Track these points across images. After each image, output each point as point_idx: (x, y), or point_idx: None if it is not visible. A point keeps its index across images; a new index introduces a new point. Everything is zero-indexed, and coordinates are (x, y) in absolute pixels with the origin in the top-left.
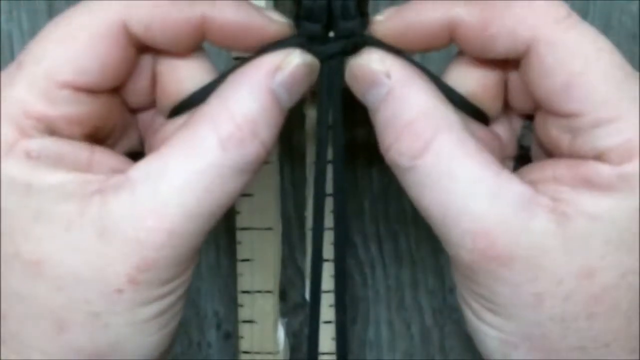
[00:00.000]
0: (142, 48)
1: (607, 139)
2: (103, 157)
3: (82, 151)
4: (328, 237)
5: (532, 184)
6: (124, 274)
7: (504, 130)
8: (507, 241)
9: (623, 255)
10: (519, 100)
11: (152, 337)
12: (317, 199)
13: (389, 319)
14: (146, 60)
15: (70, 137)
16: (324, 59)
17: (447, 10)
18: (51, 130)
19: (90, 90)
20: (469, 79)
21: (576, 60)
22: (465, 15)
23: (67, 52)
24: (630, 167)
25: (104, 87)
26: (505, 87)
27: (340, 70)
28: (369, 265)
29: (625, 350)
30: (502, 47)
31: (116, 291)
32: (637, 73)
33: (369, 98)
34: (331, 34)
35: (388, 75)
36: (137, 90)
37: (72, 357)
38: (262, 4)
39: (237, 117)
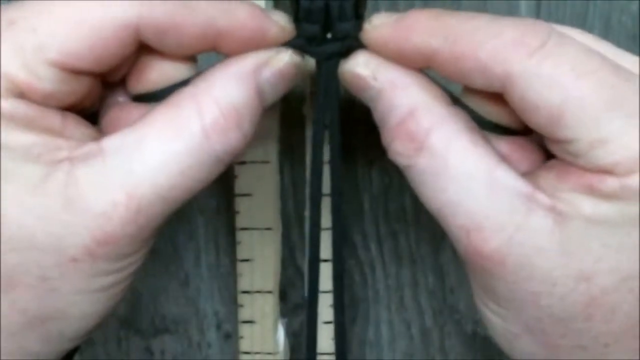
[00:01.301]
0: (144, 46)
1: (607, 157)
2: (75, 124)
3: (55, 117)
4: (328, 237)
5: (535, 178)
6: (83, 245)
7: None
8: (501, 239)
9: (622, 260)
10: None
11: (97, 307)
12: (312, 199)
13: (389, 319)
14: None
15: (42, 105)
16: (321, 59)
17: (425, 41)
18: (25, 97)
19: (77, 73)
20: (485, 96)
21: (555, 92)
22: (440, 48)
23: (68, 34)
24: (635, 179)
25: (93, 73)
26: None
27: (336, 71)
28: (369, 265)
29: (626, 351)
30: (478, 82)
31: (71, 260)
32: (637, 79)
33: (365, 100)
34: (329, 35)
35: (374, 78)
36: (116, 69)
37: (16, 315)
38: (262, 4)
39: (223, 106)
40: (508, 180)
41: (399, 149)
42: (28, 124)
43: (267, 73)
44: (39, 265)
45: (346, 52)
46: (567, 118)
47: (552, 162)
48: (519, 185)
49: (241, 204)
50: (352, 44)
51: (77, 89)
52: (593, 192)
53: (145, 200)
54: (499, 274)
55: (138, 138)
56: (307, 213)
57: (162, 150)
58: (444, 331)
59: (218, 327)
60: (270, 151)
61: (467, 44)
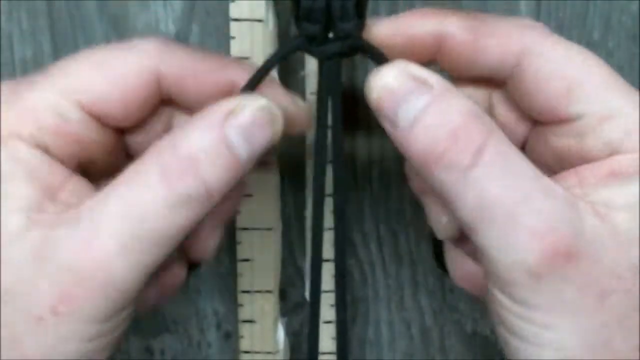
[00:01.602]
0: (166, 100)
1: (616, 130)
2: (76, 187)
3: (60, 174)
4: (328, 237)
5: None
6: (48, 302)
7: None
8: (573, 237)
9: None
10: (507, 123)
11: None
12: (316, 199)
13: (389, 318)
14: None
15: (58, 158)
16: (322, 59)
17: (438, 24)
18: (44, 146)
19: (103, 121)
20: (476, 91)
21: (571, 67)
22: (455, 28)
23: (97, 78)
24: None
25: (118, 123)
26: (490, 111)
27: (338, 71)
28: (369, 264)
29: None
30: (491, 60)
31: (37, 318)
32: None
33: (403, 113)
34: (331, 35)
35: (428, 84)
36: (150, 135)
37: None
38: (262, 4)
39: (181, 151)
40: (558, 186)
41: (455, 157)
42: (32, 176)
43: (234, 122)
44: (10, 323)
45: (348, 52)
46: (579, 91)
47: (564, 173)
48: (563, 191)
49: (241, 204)
50: (354, 43)
51: (101, 140)
52: (616, 176)
53: (106, 253)
54: (571, 276)
55: (106, 193)
56: (307, 213)
57: (122, 200)
58: (443, 331)
59: (218, 326)
60: (271, 151)
61: (484, 23)
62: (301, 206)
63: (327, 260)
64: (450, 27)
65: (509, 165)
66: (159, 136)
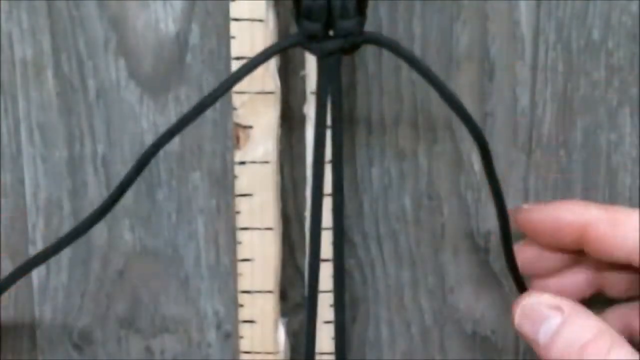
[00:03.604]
0: None
1: None
2: None
3: None
4: (328, 237)
5: None
6: None
7: None
8: None
9: None
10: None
11: None
12: (314, 198)
13: (389, 319)
14: None
15: None
16: (323, 56)
17: (581, 214)
18: None
19: None
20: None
21: None
22: (597, 219)
23: None
24: None
25: None
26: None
27: (337, 68)
28: (369, 264)
29: None
30: (630, 246)
31: None
32: None
33: (542, 334)
34: (331, 32)
35: (560, 309)
36: None
37: None
38: (263, 4)
39: None
40: None
41: None
42: None
43: None
44: None
45: (348, 50)
46: None
47: None
48: None
49: (241, 204)
50: (355, 40)
51: None
52: None
53: None
54: None
55: None
56: (307, 213)
57: None
58: (443, 331)
59: (218, 327)
60: (270, 151)
61: (621, 215)
62: (301, 206)
63: (325, 260)
64: (592, 218)
65: None
66: None
